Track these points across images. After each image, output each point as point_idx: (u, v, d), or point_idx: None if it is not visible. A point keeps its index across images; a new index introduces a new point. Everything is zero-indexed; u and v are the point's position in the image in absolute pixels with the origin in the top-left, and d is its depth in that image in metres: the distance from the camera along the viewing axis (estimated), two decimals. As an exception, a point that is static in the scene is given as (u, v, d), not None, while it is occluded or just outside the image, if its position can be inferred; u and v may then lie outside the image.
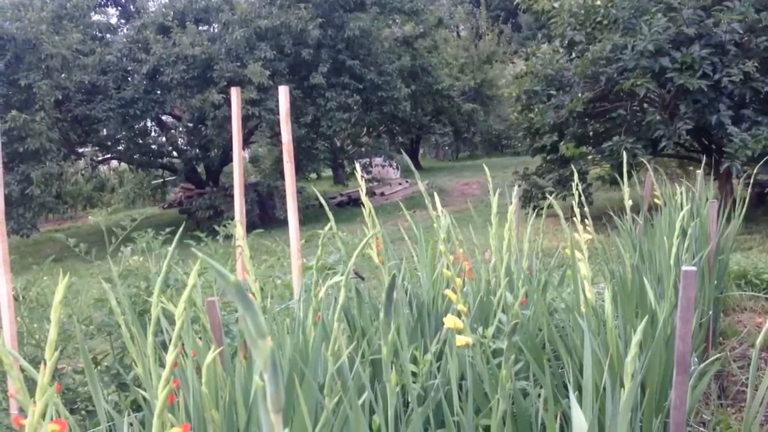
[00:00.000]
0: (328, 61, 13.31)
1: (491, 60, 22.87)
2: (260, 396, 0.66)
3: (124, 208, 17.19)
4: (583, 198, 3.14)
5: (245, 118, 12.38)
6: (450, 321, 2.04)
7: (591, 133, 9.91)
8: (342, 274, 1.95)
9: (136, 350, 1.86)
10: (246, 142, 15.40)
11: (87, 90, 12.49)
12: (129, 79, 13.11)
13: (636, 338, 1.63)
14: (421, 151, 25.38)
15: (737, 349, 3.92)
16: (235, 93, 3.36)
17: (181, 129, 14.95)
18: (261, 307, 2.46)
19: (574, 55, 9.82)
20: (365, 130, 16.53)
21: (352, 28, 13.30)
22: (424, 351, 2.32)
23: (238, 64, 12.53)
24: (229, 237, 3.54)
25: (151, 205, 18.08)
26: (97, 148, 14.39)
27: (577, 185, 3.24)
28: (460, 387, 2.15)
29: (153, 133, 15.43)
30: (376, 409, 1.86)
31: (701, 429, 2.93)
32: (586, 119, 9.59)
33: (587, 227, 3.01)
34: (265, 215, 13.51)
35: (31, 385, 1.81)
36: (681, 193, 3.73)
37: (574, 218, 2.77)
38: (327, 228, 2.52)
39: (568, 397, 2.08)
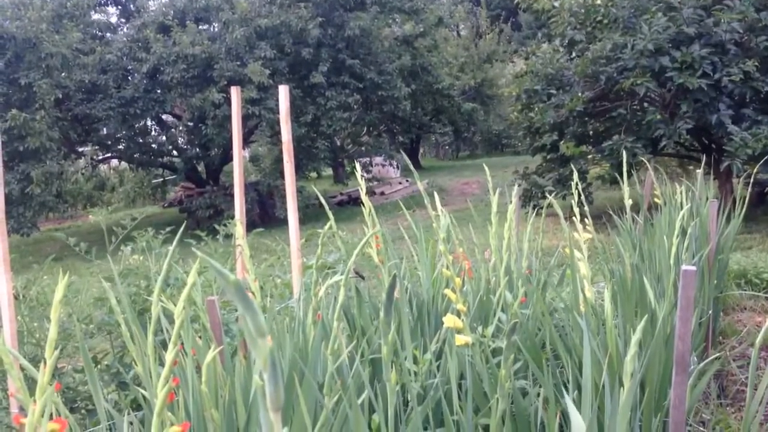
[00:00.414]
0: (328, 60, 13.31)
1: (491, 59, 22.87)
2: (260, 395, 0.66)
3: (124, 207, 17.19)
4: (583, 197, 3.14)
5: (245, 118, 12.38)
6: (450, 320, 2.04)
7: (591, 133, 9.91)
8: (342, 274, 1.95)
9: (135, 349, 1.86)
10: (246, 141, 15.40)
11: (87, 89, 12.49)
12: (129, 78, 13.11)
13: (635, 337, 1.63)
14: (421, 150, 25.38)
15: (737, 349, 3.92)
16: (235, 92, 3.36)
17: (181, 128, 14.95)
18: (260, 307, 2.46)
19: (574, 54, 9.81)
20: (365, 129, 16.53)
21: (352, 27, 13.29)
22: (424, 350, 2.32)
23: (238, 63, 12.53)
24: (229, 236, 3.54)
25: (151, 204, 18.08)
26: (97, 147, 14.39)
27: (577, 184, 3.24)
28: (459, 386, 2.16)
29: (153, 132, 15.44)
30: (376, 408, 1.86)
31: (701, 428, 2.93)
32: (586, 118, 9.59)
33: (587, 226, 3.01)
34: (265, 214, 13.51)
35: (31, 384, 1.81)
36: (681, 193, 3.73)
37: (574, 217, 2.77)
38: (327, 227, 2.53)
39: (567, 396, 2.09)
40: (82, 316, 3.08)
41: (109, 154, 15.30)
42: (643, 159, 6.10)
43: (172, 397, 1.81)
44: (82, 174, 15.98)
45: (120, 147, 14.38)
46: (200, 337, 2.20)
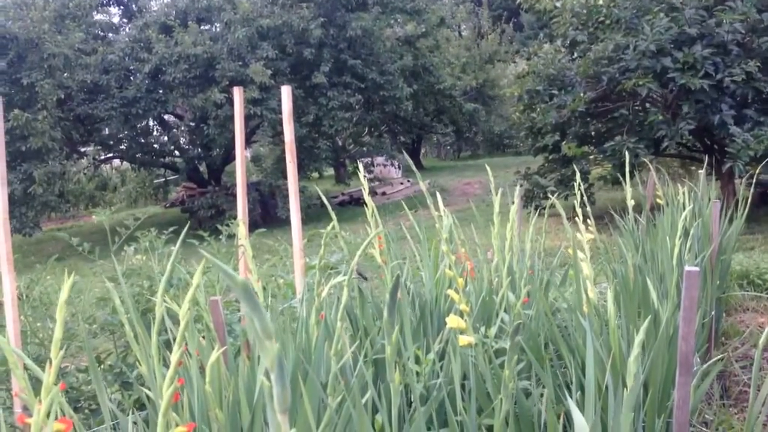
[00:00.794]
0: (330, 60, 13.31)
1: (493, 59, 22.85)
2: (267, 396, 0.66)
3: (126, 207, 17.22)
4: (585, 198, 3.14)
5: (247, 118, 12.37)
6: (453, 321, 2.04)
7: (593, 133, 9.90)
8: (345, 274, 1.95)
9: (139, 349, 1.86)
10: (248, 142, 15.40)
11: (89, 89, 12.50)
12: (131, 78, 13.12)
13: (638, 338, 1.63)
14: (422, 150, 25.37)
15: (740, 349, 3.92)
16: (237, 92, 3.36)
17: (183, 128, 14.96)
18: (263, 307, 2.46)
19: (576, 54, 9.81)
20: (367, 129, 16.53)
21: (354, 27, 13.29)
22: (427, 350, 2.33)
23: (240, 63, 12.53)
24: (231, 236, 3.54)
25: (153, 205, 18.10)
26: (99, 147, 14.41)
27: (579, 185, 3.24)
28: (462, 387, 2.16)
29: (155, 133, 15.45)
30: (380, 408, 1.86)
31: (704, 429, 2.93)
32: (588, 119, 9.59)
33: (589, 227, 3.01)
34: (267, 214, 13.52)
35: (34, 383, 1.81)
36: (683, 193, 3.73)
37: (576, 218, 2.77)
38: (329, 227, 2.53)
39: (570, 396, 2.09)
40: (86, 317, 3.08)
41: (111, 154, 15.31)
42: (645, 160, 6.10)
43: (177, 397, 1.82)
44: (85, 174, 15.99)
45: (122, 147, 14.39)
46: (203, 338, 2.20)
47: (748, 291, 4.98)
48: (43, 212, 12.64)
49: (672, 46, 8.21)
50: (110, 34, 14.41)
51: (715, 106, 8.17)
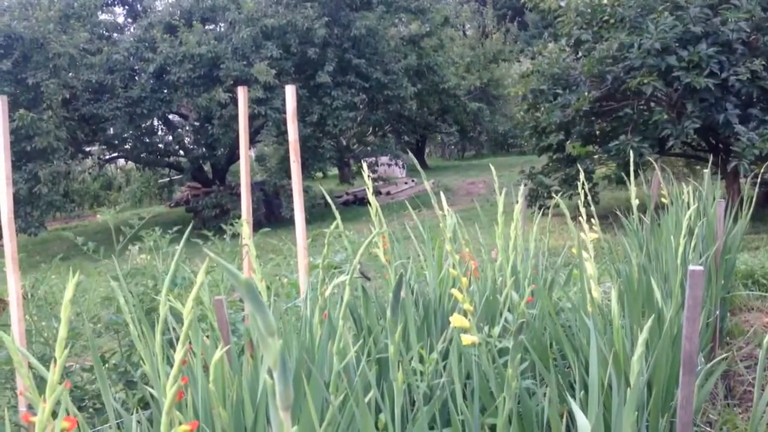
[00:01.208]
0: (334, 60, 13.31)
1: (497, 59, 22.82)
2: (269, 394, 0.66)
3: (130, 207, 17.24)
4: (589, 197, 3.13)
5: (251, 117, 12.39)
6: (457, 320, 2.04)
7: (597, 132, 9.89)
8: (348, 273, 1.96)
9: (143, 348, 1.87)
10: (252, 141, 15.42)
11: (94, 89, 12.52)
12: (136, 78, 13.14)
13: (642, 337, 1.63)
14: (427, 150, 25.35)
15: (744, 349, 3.91)
16: (241, 92, 3.36)
17: (187, 128, 14.98)
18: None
19: (580, 53, 9.80)
20: (371, 129, 16.52)
21: (359, 27, 13.29)
22: (430, 350, 2.33)
23: (245, 63, 12.54)
24: (235, 236, 3.55)
25: (157, 204, 18.12)
26: (104, 146, 14.43)
27: (583, 184, 3.24)
28: (465, 386, 2.16)
29: (160, 132, 15.46)
30: (383, 407, 1.86)
31: (708, 429, 2.93)
32: (593, 118, 9.58)
33: (593, 226, 3.01)
34: (272, 214, 13.53)
35: (39, 382, 1.82)
36: (688, 193, 3.72)
37: (581, 217, 2.77)
38: (333, 226, 2.53)
39: (574, 396, 2.09)
40: (90, 316, 3.09)
41: (115, 154, 15.34)
42: (649, 159, 6.09)
43: (180, 396, 1.82)
44: (89, 174, 16.02)
45: (127, 147, 14.42)
46: (207, 337, 2.20)
47: (752, 290, 4.97)
48: (48, 212, 12.67)
49: (677, 44, 8.19)
50: (115, 34, 14.44)
51: (720, 105, 8.15)
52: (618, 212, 3.97)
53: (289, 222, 10.96)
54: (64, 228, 14.92)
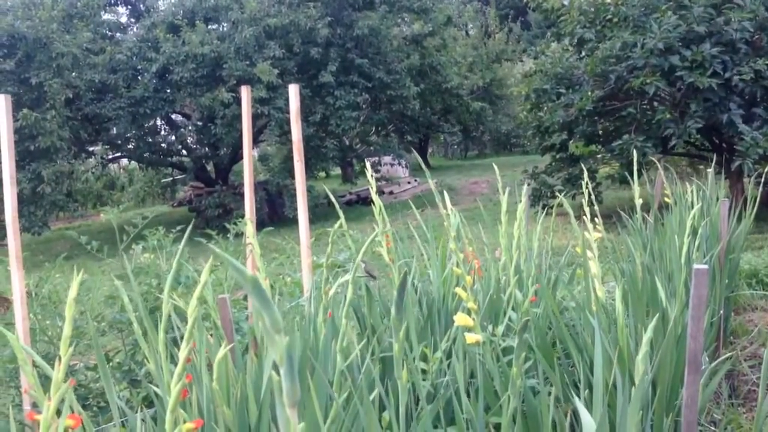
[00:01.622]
0: (337, 59, 13.31)
1: (500, 58, 22.81)
2: (276, 390, 0.66)
3: (134, 207, 17.26)
4: (592, 196, 3.13)
5: (254, 117, 12.40)
6: (461, 319, 2.04)
7: (600, 132, 9.88)
8: (351, 272, 1.96)
9: (147, 347, 1.87)
10: (255, 141, 15.42)
11: (97, 89, 12.53)
12: (139, 77, 13.15)
13: (647, 336, 1.63)
14: (429, 149, 25.35)
15: (748, 348, 3.90)
16: (245, 91, 3.37)
17: (190, 127, 14.98)
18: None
19: (583, 53, 9.78)
20: (374, 128, 16.52)
21: (361, 26, 13.29)
22: (434, 349, 2.33)
23: (248, 62, 12.54)
24: (239, 235, 3.55)
25: (160, 204, 18.15)
26: (107, 146, 14.44)
27: (586, 184, 3.24)
28: (469, 385, 2.16)
29: (163, 132, 15.48)
30: (387, 405, 1.86)
31: (712, 428, 2.92)
32: (596, 118, 9.56)
33: (597, 226, 3.01)
34: (275, 213, 13.53)
35: (43, 381, 1.82)
36: (691, 192, 3.71)
37: (584, 217, 2.76)
38: (336, 225, 2.53)
39: (578, 395, 2.08)
40: (94, 314, 3.10)
41: (119, 154, 15.35)
42: (653, 158, 6.08)
43: (185, 394, 1.82)
44: (93, 173, 16.03)
45: (130, 146, 14.43)
46: (211, 335, 2.21)
47: (756, 290, 4.96)
48: (52, 211, 12.69)
49: (680, 44, 8.18)
50: (118, 34, 14.45)
51: (724, 105, 8.13)
52: (621, 212, 3.96)
53: (293, 221, 10.95)
54: (67, 227, 14.94)
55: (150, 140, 14.36)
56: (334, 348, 1.97)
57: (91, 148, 14.60)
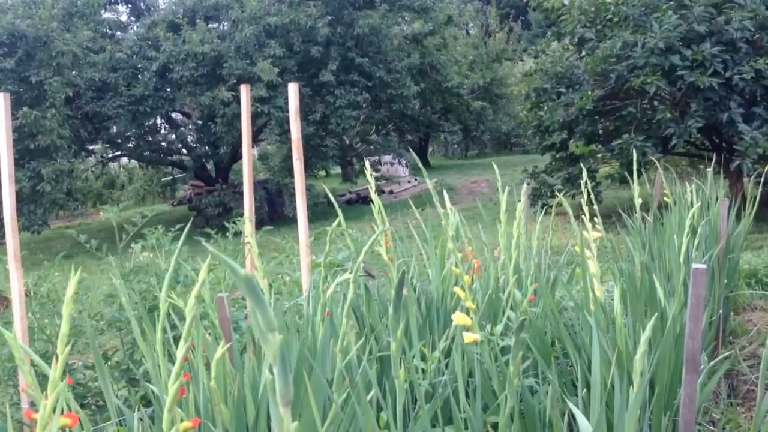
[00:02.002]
0: (338, 58, 13.30)
1: (500, 58, 22.79)
2: (270, 389, 0.66)
3: (134, 205, 17.26)
4: (592, 196, 3.13)
5: (254, 116, 12.40)
6: (459, 318, 2.04)
7: (601, 131, 9.88)
8: (351, 271, 1.96)
9: (146, 346, 1.87)
10: (255, 140, 15.42)
11: (97, 87, 12.54)
12: (139, 76, 13.15)
13: (645, 335, 1.63)
14: (430, 149, 25.34)
15: (747, 348, 3.90)
16: (244, 90, 3.37)
17: (190, 126, 14.99)
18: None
19: (584, 52, 9.78)
20: (374, 127, 16.51)
21: (362, 25, 13.28)
22: (432, 348, 2.32)
23: (248, 61, 12.54)
24: (238, 234, 3.55)
25: (160, 202, 18.15)
26: (107, 145, 14.45)
27: (586, 183, 3.23)
28: (467, 384, 2.15)
29: (163, 131, 15.49)
30: (384, 405, 1.86)
31: (711, 428, 2.92)
32: (596, 117, 9.56)
33: (596, 225, 3.00)
34: (274, 212, 13.53)
35: (41, 380, 1.82)
36: (691, 192, 3.71)
37: (584, 216, 2.76)
38: (335, 224, 2.53)
39: (576, 394, 2.08)
40: (93, 313, 3.10)
41: (119, 152, 15.36)
42: (652, 158, 6.08)
43: (182, 393, 1.82)
44: (92, 172, 16.05)
45: (130, 145, 14.44)
46: (209, 334, 2.20)
47: (756, 290, 4.96)
48: (52, 210, 12.69)
49: (680, 43, 8.17)
50: (118, 33, 14.45)
51: (724, 104, 8.13)
52: (621, 211, 3.96)
53: (292, 220, 10.95)
54: (67, 226, 14.95)
55: (150, 139, 14.37)
56: (333, 347, 1.97)
57: (91, 147, 14.61)
